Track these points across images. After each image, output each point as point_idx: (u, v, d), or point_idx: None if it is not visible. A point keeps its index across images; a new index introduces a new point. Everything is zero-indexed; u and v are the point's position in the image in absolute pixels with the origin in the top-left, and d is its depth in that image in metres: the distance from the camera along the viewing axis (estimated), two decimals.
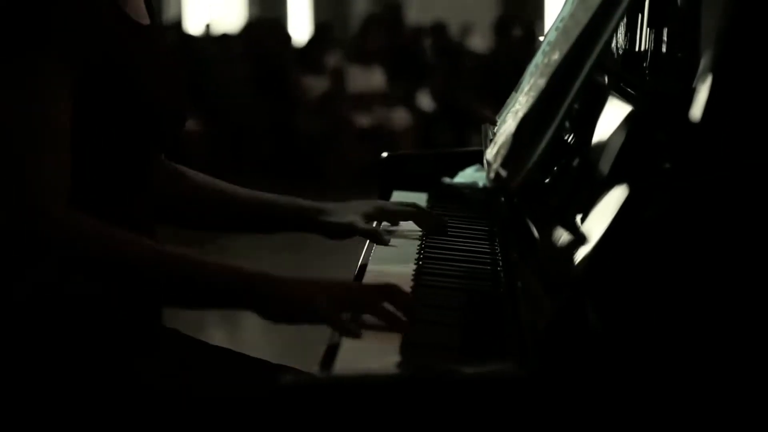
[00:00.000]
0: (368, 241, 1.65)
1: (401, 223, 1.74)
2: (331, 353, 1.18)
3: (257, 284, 1.31)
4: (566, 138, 1.57)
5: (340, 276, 1.40)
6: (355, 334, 1.23)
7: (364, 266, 1.53)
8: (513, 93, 1.68)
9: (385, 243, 1.64)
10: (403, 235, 1.69)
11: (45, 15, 1.29)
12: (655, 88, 1.46)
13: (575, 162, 1.47)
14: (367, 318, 1.27)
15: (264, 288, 1.30)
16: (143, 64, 1.40)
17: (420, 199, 1.98)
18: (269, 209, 1.68)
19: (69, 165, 1.31)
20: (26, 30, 1.29)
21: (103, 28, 1.35)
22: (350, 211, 1.67)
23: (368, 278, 1.47)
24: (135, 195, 1.44)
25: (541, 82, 1.42)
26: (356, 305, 1.29)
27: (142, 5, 1.47)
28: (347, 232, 1.66)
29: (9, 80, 1.29)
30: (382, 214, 1.71)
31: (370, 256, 1.58)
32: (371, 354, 1.21)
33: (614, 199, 1.12)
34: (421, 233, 1.69)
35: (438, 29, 10.10)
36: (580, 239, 1.14)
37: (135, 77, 1.38)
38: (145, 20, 1.46)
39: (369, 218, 1.69)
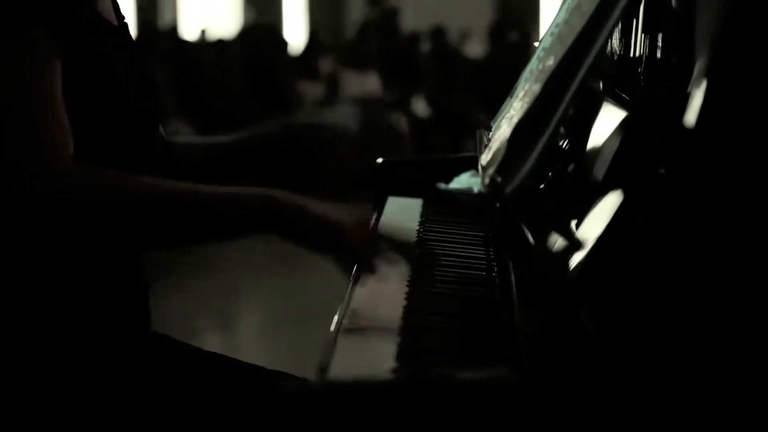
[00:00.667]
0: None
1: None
2: (326, 359, 1.18)
3: (284, 207, 1.32)
4: (561, 143, 1.57)
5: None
6: (372, 269, 1.32)
7: (360, 270, 1.52)
8: (508, 98, 1.68)
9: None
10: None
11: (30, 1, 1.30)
12: (649, 94, 1.46)
13: (570, 167, 1.47)
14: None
15: (292, 212, 1.32)
16: (117, 64, 1.41)
17: (415, 204, 1.98)
18: (258, 141, 1.77)
19: (67, 125, 1.29)
20: (15, 10, 1.29)
21: (82, 21, 1.36)
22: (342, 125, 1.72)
23: (362, 287, 1.47)
24: None
25: (536, 88, 1.42)
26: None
27: (111, 9, 1.48)
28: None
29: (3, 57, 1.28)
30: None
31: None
32: (367, 360, 1.21)
33: (609, 204, 1.12)
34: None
35: (433, 35, 10.12)
36: (575, 244, 1.14)
37: (110, 77, 1.38)
38: (114, 21, 1.47)
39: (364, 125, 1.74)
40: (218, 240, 1.38)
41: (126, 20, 1.54)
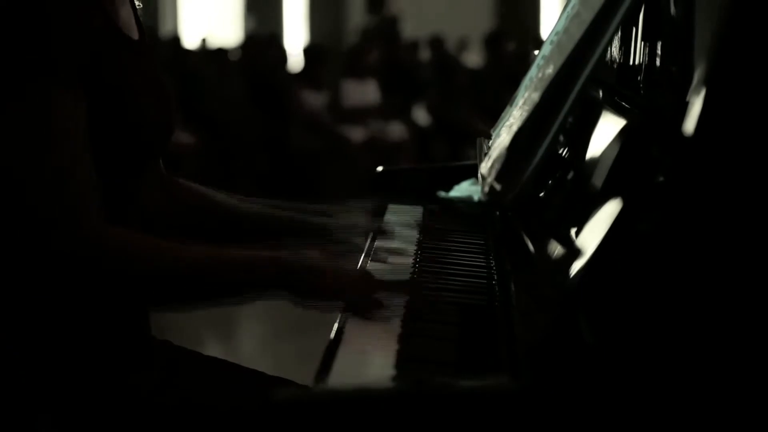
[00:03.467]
0: (362, 256, 1.65)
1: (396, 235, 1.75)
2: (326, 367, 1.18)
3: (294, 270, 1.37)
4: (561, 152, 1.57)
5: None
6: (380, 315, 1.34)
7: None
8: (508, 107, 1.69)
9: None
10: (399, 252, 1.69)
11: (47, 39, 1.29)
12: (649, 102, 1.46)
13: (570, 175, 1.48)
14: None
15: (301, 273, 1.37)
16: (134, 78, 1.41)
17: (415, 213, 1.98)
18: (270, 223, 1.69)
19: (95, 181, 1.31)
20: (32, 56, 1.29)
21: (100, 45, 1.35)
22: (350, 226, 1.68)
23: None
24: (126, 206, 1.44)
25: (536, 96, 1.43)
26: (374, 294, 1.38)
27: (133, 20, 1.48)
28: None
29: (26, 106, 1.29)
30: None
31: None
32: (366, 368, 1.21)
33: (608, 212, 1.13)
34: (413, 251, 1.68)
35: (433, 43, 10.13)
36: (574, 253, 1.14)
37: (126, 91, 1.38)
38: (135, 35, 1.47)
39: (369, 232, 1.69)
40: (226, 301, 1.42)
41: (144, 31, 1.53)
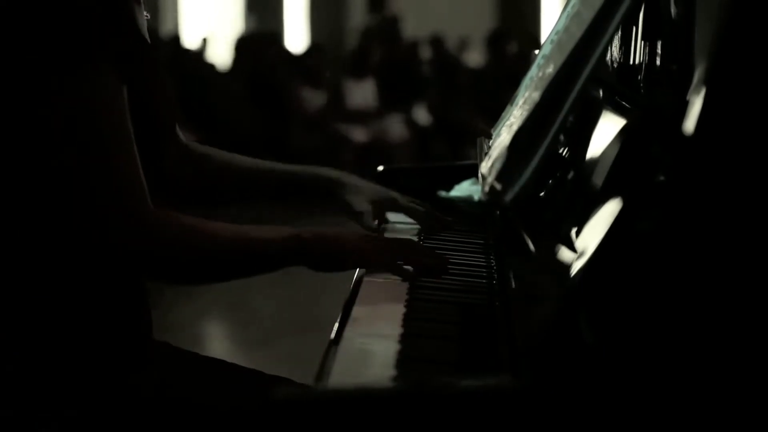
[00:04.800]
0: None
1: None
2: (326, 367, 1.18)
3: (313, 246, 1.45)
4: (561, 151, 1.57)
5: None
6: (409, 275, 1.49)
7: (359, 282, 1.52)
8: (508, 106, 1.69)
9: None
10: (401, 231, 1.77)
11: (90, 29, 1.30)
12: (649, 101, 1.46)
13: (570, 175, 1.48)
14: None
15: (319, 248, 1.46)
16: (154, 80, 1.43)
17: None
18: (288, 177, 1.80)
19: (140, 166, 1.34)
20: (77, 44, 1.29)
21: (130, 45, 1.37)
22: (364, 197, 1.76)
23: (364, 290, 1.47)
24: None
25: (536, 96, 1.43)
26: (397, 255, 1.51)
27: (145, 24, 1.48)
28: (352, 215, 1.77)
29: (73, 93, 1.29)
30: (392, 206, 1.81)
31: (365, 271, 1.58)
32: (366, 367, 1.21)
33: (609, 212, 1.12)
34: (418, 229, 1.80)
35: (434, 42, 10.13)
36: (574, 252, 1.14)
37: (142, 92, 1.39)
38: (148, 37, 1.47)
39: (379, 207, 1.78)
40: (250, 275, 1.47)
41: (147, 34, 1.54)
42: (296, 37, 12.92)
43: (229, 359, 1.59)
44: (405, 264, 1.51)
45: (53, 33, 1.28)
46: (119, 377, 1.41)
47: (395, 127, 8.48)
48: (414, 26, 11.12)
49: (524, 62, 7.47)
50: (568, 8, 1.54)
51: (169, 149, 1.58)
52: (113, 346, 1.42)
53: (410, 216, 1.84)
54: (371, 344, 1.27)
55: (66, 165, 1.28)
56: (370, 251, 1.49)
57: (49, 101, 1.28)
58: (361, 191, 1.77)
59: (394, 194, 1.83)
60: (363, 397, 1.02)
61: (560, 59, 1.41)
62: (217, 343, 4.67)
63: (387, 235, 1.80)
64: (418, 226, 1.84)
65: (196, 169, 1.72)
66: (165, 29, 11.82)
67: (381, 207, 1.80)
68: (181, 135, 1.69)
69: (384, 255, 1.50)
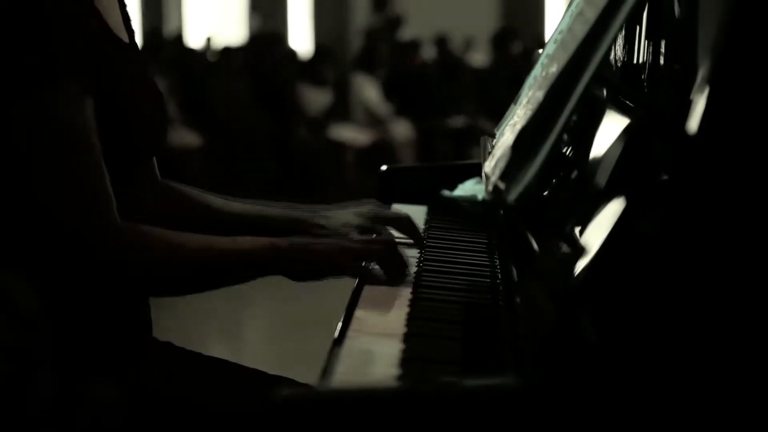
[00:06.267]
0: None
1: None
2: (329, 366, 1.18)
3: (289, 254, 1.46)
4: (564, 150, 1.57)
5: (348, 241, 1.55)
6: (377, 278, 1.48)
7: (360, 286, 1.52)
8: (512, 106, 1.69)
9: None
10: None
11: (48, 41, 1.30)
12: (653, 101, 1.46)
13: (574, 174, 1.47)
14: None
15: (295, 256, 1.46)
16: (126, 81, 1.42)
17: (419, 212, 1.98)
18: (262, 223, 1.69)
19: (107, 177, 1.34)
20: (39, 64, 1.29)
21: (96, 47, 1.36)
22: (346, 220, 1.67)
23: (368, 289, 1.47)
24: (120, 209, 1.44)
25: (539, 95, 1.43)
26: (370, 257, 1.51)
27: (122, 23, 1.48)
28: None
29: (39, 109, 1.30)
30: (376, 221, 1.70)
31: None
32: (370, 367, 1.21)
33: (612, 211, 1.12)
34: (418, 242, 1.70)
35: (438, 42, 10.13)
36: (578, 252, 1.14)
37: (119, 93, 1.39)
38: (125, 37, 1.47)
39: (363, 229, 1.67)
40: (229, 285, 1.48)
41: (134, 32, 1.53)
42: (300, 36, 12.92)
43: (231, 359, 1.59)
44: (378, 265, 1.51)
45: (11, 51, 1.29)
46: (119, 376, 1.41)
47: (399, 127, 8.48)
48: (418, 26, 11.12)
49: (528, 62, 7.46)
50: (572, 8, 1.54)
51: (145, 174, 1.57)
52: (112, 345, 1.42)
53: (395, 228, 1.72)
54: (375, 344, 1.27)
55: (33, 179, 1.30)
56: (338, 256, 1.48)
57: (9, 118, 1.29)
58: (340, 219, 1.68)
59: (374, 211, 1.72)
60: (366, 397, 1.02)
61: (564, 59, 1.41)
62: (220, 342, 4.67)
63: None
64: (422, 230, 1.83)
65: (169, 206, 1.66)
66: (169, 29, 11.82)
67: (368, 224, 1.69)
68: (157, 172, 1.66)
69: (352, 260, 1.50)
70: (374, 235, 1.62)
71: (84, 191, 1.30)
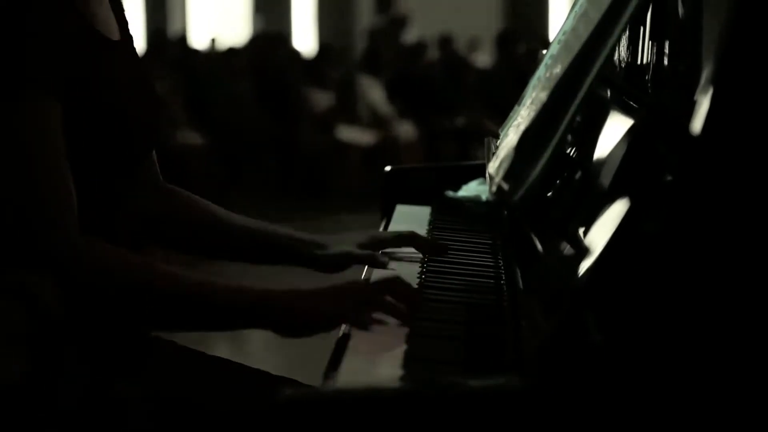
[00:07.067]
0: (366, 266, 1.63)
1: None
2: (333, 366, 1.18)
3: (270, 305, 1.35)
4: (568, 151, 1.57)
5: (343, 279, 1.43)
6: (367, 326, 1.29)
7: (367, 281, 1.52)
8: (516, 106, 1.69)
9: (383, 266, 1.60)
10: (401, 258, 1.66)
11: (21, 53, 1.29)
12: (656, 101, 1.46)
13: (577, 175, 1.47)
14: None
15: (277, 308, 1.34)
16: (114, 80, 1.41)
17: (423, 212, 1.98)
18: (263, 239, 1.64)
19: (73, 193, 1.32)
20: (7, 73, 1.29)
21: (75, 50, 1.35)
22: (345, 243, 1.63)
23: None
24: (114, 212, 1.44)
25: (543, 96, 1.43)
26: (362, 304, 1.33)
27: (112, 20, 1.47)
28: (342, 263, 1.63)
29: (4, 122, 1.29)
30: (377, 244, 1.65)
31: (372, 271, 1.58)
32: (374, 368, 1.21)
33: (616, 211, 1.12)
34: (421, 257, 1.65)
35: (442, 43, 10.13)
36: (582, 252, 1.14)
37: (106, 92, 1.38)
38: (115, 35, 1.46)
39: (364, 248, 1.63)
40: (212, 330, 1.42)
41: (129, 31, 1.52)
42: (304, 37, 12.93)
43: (234, 359, 1.59)
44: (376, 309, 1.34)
45: None
46: (118, 375, 1.41)
47: (403, 127, 8.47)
48: (422, 26, 11.12)
49: (532, 62, 7.46)
50: (576, 8, 1.54)
51: (144, 175, 1.55)
52: (110, 343, 1.42)
53: (398, 246, 1.67)
54: (378, 344, 1.27)
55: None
56: (337, 313, 1.34)
57: None
58: (341, 242, 1.63)
59: (374, 232, 1.70)
60: (370, 398, 1.02)
61: (568, 59, 1.41)
62: (223, 342, 4.67)
63: (393, 264, 1.62)
64: (425, 230, 1.84)
65: (170, 210, 1.63)
66: (173, 29, 11.83)
67: (369, 248, 1.64)
68: (159, 175, 1.64)
69: (350, 307, 1.34)
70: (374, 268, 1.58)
71: (39, 202, 1.28)
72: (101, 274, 1.31)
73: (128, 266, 1.33)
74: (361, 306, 1.33)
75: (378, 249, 1.66)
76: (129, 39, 1.51)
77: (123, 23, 1.50)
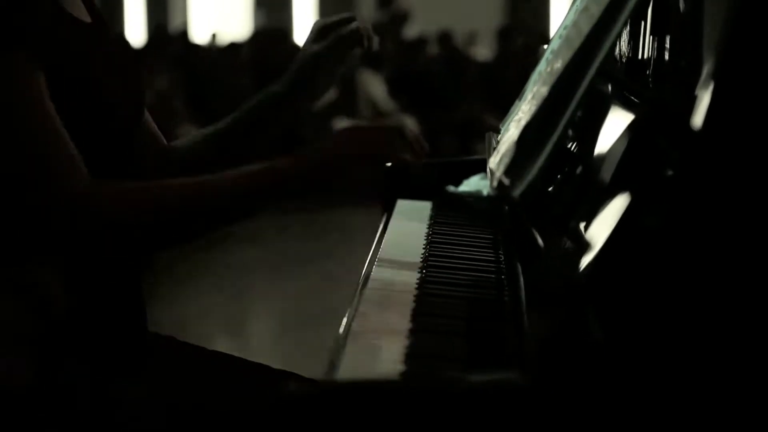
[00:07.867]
0: (372, 251, 1.64)
1: None
2: (334, 361, 1.18)
3: (294, 177, 1.44)
4: (569, 146, 1.57)
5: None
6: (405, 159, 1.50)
7: (367, 277, 1.52)
8: (517, 101, 1.69)
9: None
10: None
11: (9, 18, 1.29)
12: (657, 96, 1.46)
13: (579, 170, 1.47)
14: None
15: (301, 178, 1.44)
16: (88, 61, 1.41)
17: (425, 207, 1.98)
18: (248, 116, 1.77)
19: (71, 142, 1.31)
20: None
21: (51, 26, 1.35)
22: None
23: (372, 287, 1.47)
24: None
25: (544, 91, 1.43)
26: (375, 147, 1.47)
27: (81, 4, 1.48)
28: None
29: None
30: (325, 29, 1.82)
31: (373, 267, 1.58)
32: (375, 362, 1.21)
33: (617, 207, 1.12)
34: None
35: (443, 38, 10.12)
36: (583, 247, 1.14)
37: (80, 73, 1.38)
38: (86, 18, 1.47)
39: (317, 39, 1.82)
40: (237, 219, 1.42)
41: (100, 16, 1.53)
42: (305, 32, 12.91)
43: (236, 354, 1.59)
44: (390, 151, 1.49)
45: None
46: (117, 372, 1.41)
47: (404, 122, 8.47)
48: (423, 21, 11.11)
49: (533, 57, 7.45)
50: (577, 3, 1.54)
51: (130, 143, 1.54)
52: (108, 341, 1.42)
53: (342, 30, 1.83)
54: (380, 339, 1.27)
55: None
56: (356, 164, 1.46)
57: None
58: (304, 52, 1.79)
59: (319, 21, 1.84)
60: (371, 393, 1.02)
61: (568, 54, 1.41)
62: (224, 337, 4.68)
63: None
64: (426, 226, 1.83)
65: (173, 166, 1.65)
66: (174, 24, 11.83)
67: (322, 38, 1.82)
68: (162, 138, 1.66)
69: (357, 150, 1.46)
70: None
71: (48, 153, 1.28)
72: (122, 207, 1.31)
73: (148, 189, 1.34)
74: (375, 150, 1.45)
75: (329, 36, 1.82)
76: (101, 22, 1.52)
77: (91, 8, 1.51)
